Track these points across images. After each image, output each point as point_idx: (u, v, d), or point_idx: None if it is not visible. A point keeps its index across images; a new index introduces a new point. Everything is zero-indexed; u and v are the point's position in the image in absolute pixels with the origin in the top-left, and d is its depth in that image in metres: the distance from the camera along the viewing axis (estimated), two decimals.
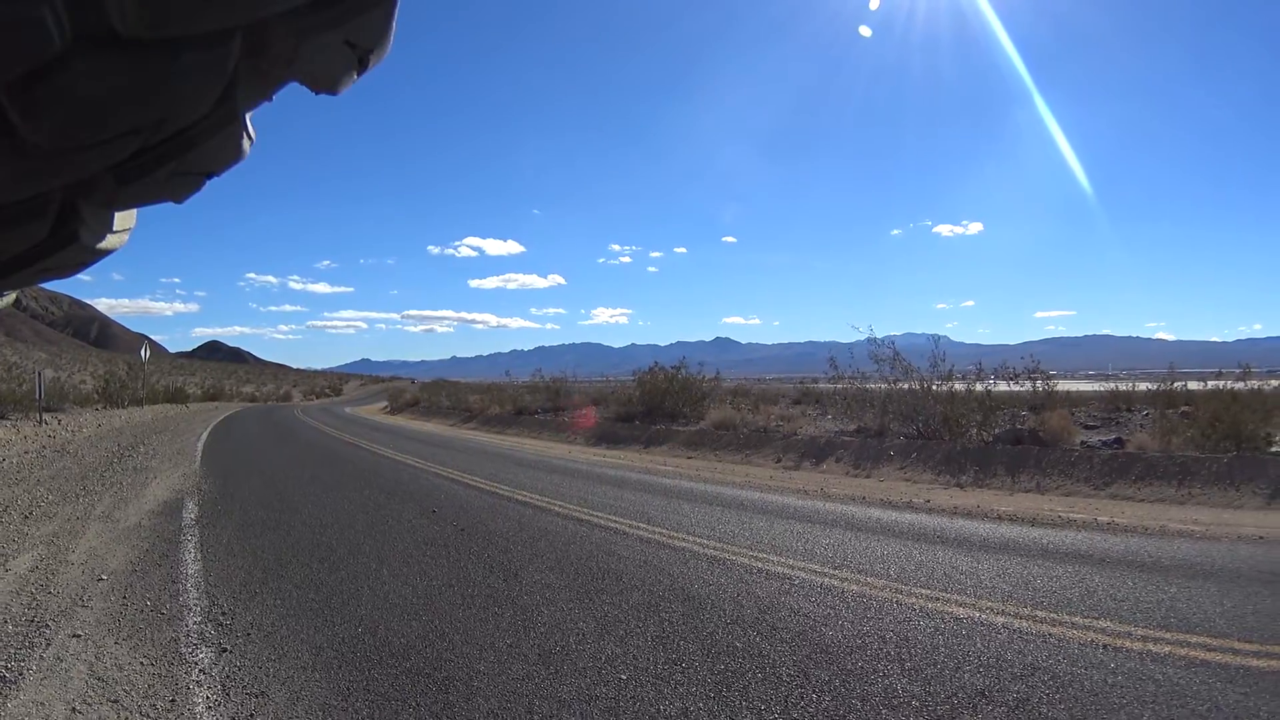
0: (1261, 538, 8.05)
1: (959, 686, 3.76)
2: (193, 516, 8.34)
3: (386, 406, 48.68)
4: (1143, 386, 24.54)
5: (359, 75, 1.47)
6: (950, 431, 16.24)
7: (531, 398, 32.99)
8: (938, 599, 5.29)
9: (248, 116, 1.54)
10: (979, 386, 17.65)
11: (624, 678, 3.91)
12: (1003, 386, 18.54)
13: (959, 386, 17.83)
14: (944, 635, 4.52)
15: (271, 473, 12.88)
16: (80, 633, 4.51)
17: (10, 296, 2.31)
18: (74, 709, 3.50)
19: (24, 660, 4.04)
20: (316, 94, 1.50)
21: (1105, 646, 4.34)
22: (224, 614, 4.98)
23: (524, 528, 7.92)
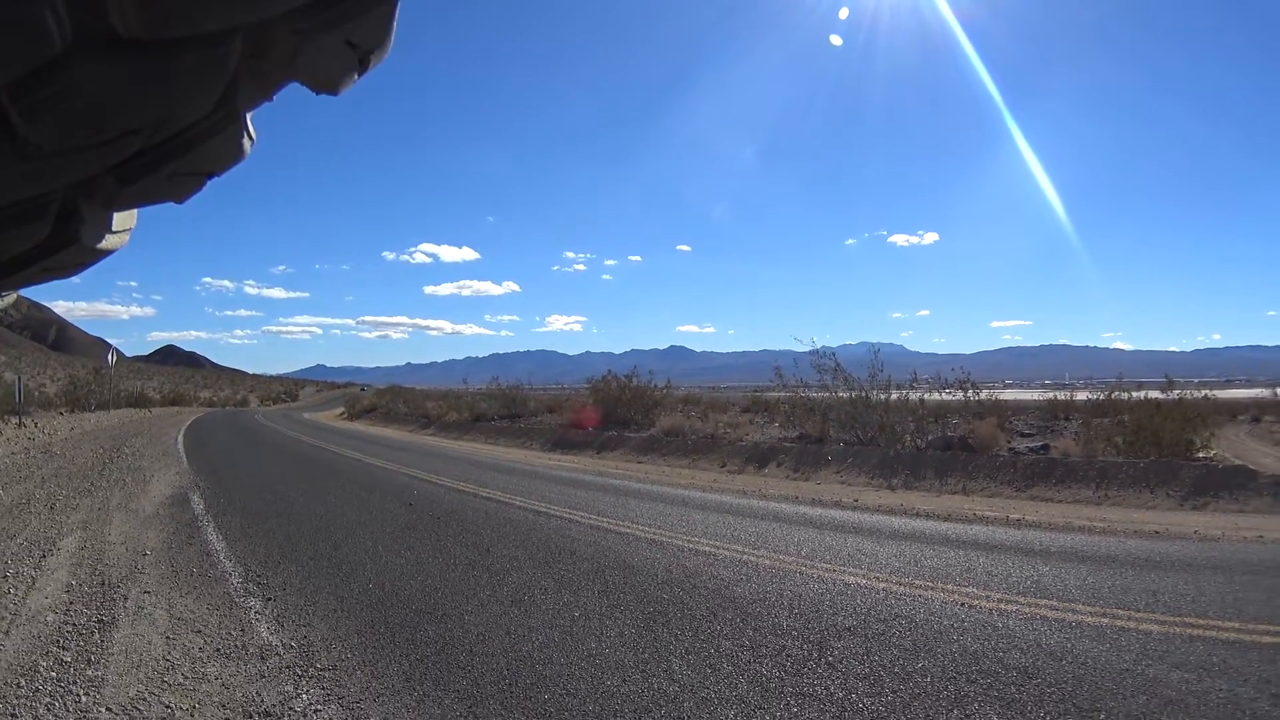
0: (1157, 533, 9.02)
1: (833, 625, 5.04)
2: (201, 508, 9.38)
3: (343, 412, 48.95)
4: (1081, 396, 25.16)
5: (359, 76, 1.51)
6: (886, 438, 17.12)
7: (488, 405, 33.72)
8: (835, 571, 6.55)
9: (248, 117, 1.59)
10: (913, 396, 18.66)
11: (576, 614, 5.19)
12: (940, 396, 19.63)
13: (895, 396, 18.61)
14: (832, 594, 5.80)
15: (256, 472, 13.83)
16: (149, 590, 5.65)
17: (11, 296, 2.52)
18: (167, 638, 4.66)
19: (113, 609, 5.17)
20: (317, 94, 1.53)
21: (963, 604, 5.52)
22: (258, 577, 6.15)
23: (490, 517, 9.15)
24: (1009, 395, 33.60)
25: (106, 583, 5.79)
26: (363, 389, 78.86)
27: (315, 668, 4.19)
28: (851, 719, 3.53)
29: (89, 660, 4.16)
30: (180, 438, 21.54)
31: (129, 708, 3.57)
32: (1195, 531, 9.10)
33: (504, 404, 32.97)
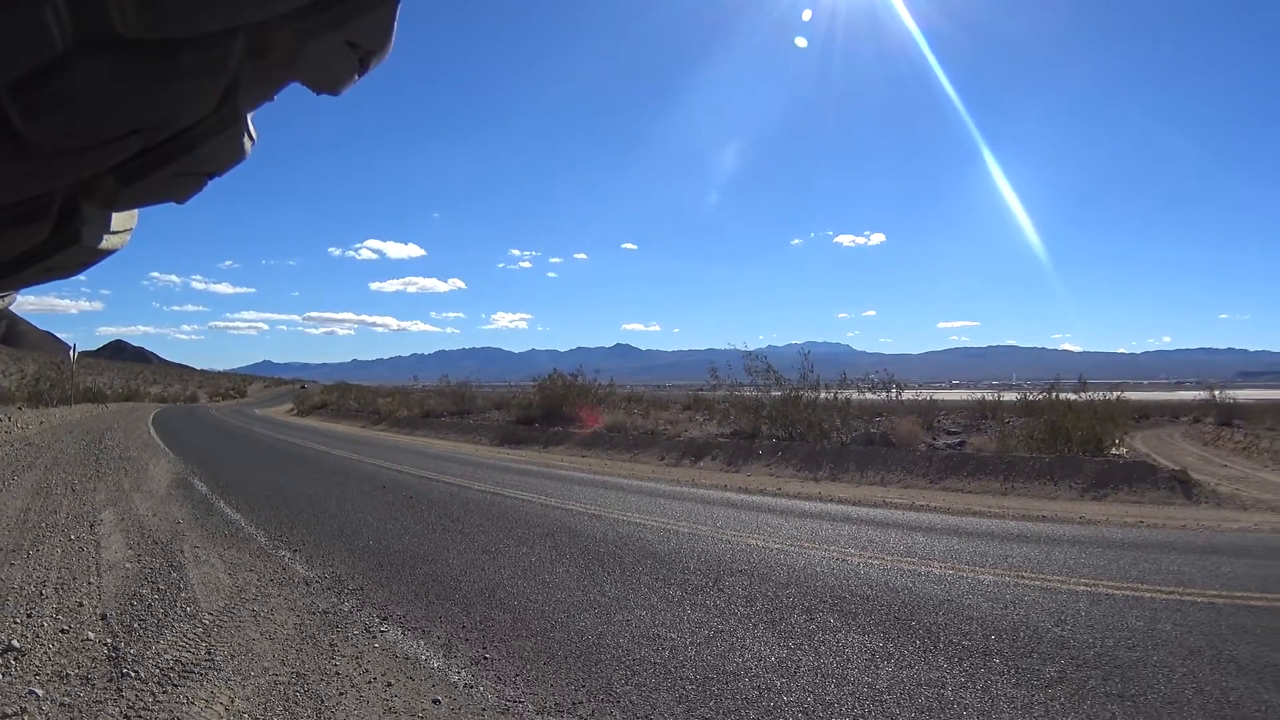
0: (1044, 517, 10.20)
1: (729, 568, 6.77)
2: (205, 490, 10.74)
3: (293, 409, 49.51)
4: (1008, 397, 26.13)
5: (360, 76, 1.53)
6: (814, 434, 18.46)
7: (438, 401, 34.97)
8: (741, 536, 8.24)
9: (249, 117, 1.62)
10: (844, 395, 19.99)
11: (533, 560, 6.89)
12: (866, 396, 20.94)
13: (825, 395, 19.98)
14: (734, 551, 7.51)
15: (238, 462, 15.10)
16: (197, 545, 7.13)
17: (11, 296, 2.56)
18: (229, 574, 6.16)
19: (177, 558, 6.64)
20: (318, 94, 1.55)
21: (838, 559, 7.13)
22: (278, 537, 7.67)
23: (455, 497, 10.74)
24: (945, 396, 34.27)
25: (158, 542, 7.23)
26: (302, 386, 78.31)
27: (347, 589, 5.80)
28: (728, 619, 5.27)
29: (178, 588, 5.66)
30: (153, 432, 22.47)
31: (223, 613, 5.11)
32: (1081, 517, 10.37)
33: (453, 401, 34.15)
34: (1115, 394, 18.94)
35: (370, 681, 4.02)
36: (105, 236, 1.83)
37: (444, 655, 4.46)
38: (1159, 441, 25.24)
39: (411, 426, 31.05)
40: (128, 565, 6.32)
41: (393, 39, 1.45)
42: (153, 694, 3.73)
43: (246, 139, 1.62)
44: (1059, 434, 15.93)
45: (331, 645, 4.53)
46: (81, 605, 5.13)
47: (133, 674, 3.96)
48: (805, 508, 10.76)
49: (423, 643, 4.67)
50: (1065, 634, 4.87)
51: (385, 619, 5.11)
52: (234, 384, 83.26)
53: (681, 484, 13.63)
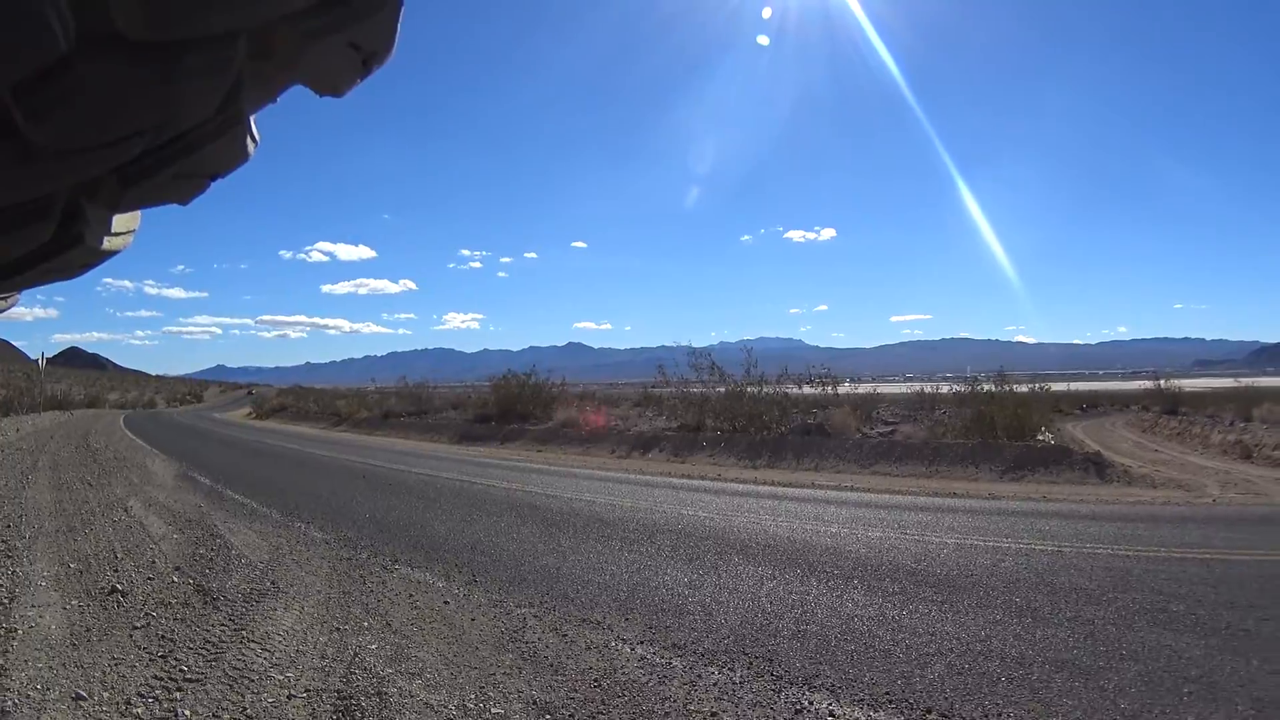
0: (954, 494, 11.62)
1: (661, 528, 8.41)
2: (208, 483, 11.98)
3: (251, 412, 49.50)
4: (945, 389, 26.70)
5: (362, 78, 1.52)
6: (755, 426, 19.66)
7: (396, 402, 35.83)
8: (676, 508, 9.92)
9: (252, 118, 1.61)
10: (780, 390, 21.23)
11: (502, 525, 8.48)
12: (803, 390, 21.90)
13: (768, 390, 21.27)
14: (668, 519, 9.15)
15: (225, 459, 16.25)
16: (225, 521, 8.49)
17: (12, 299, 2.66)
18: (262, 539, 7.57)
19: (213, 529, 8.00)
20: (320, 96, 1.55)
21: (753, 524, 8.74)
22: (289, 514, 9.08)
23: (428, 484, 12.23)
24: (893, 389, 34.61)
25: (190, 520, 8.58)
26: (250, 392, 77.42)
27: (359, 546, 7.31)
28: (656, 559, 6.92)
29: (226, 548, 7.08)
30: (132, 436, 23.23)
31: (270, 562, 6.55)
32: (990, 494, 11.72)
33: (412, 402, 35.10)
34: (1039, 385, 20.44)
35: (396, 595, 5.58)
36: (108, 238, 1.84)
37: (445, 581, 6.04)
38: (1100, 430, 26.33)
39: (372, 427, 31.87)
40: (175, 536, 7.70)
41: (396, 40, 1.46)
42: (241, 609, 5.22)
43: (249, 140, 1.64)
44: (984, 422, 17.05)
45: (361, 577, 6.07)
46: (154, 563, 6.54)
47: (220, 598, 5.44)
48: (738, 489, 12.31)
49: (428, 574, 6.25)
50: (919, 568, 6.60)
51: (395, 562, 6.65)
52: (190, 389, 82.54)
53: (630, 472, 15.04)
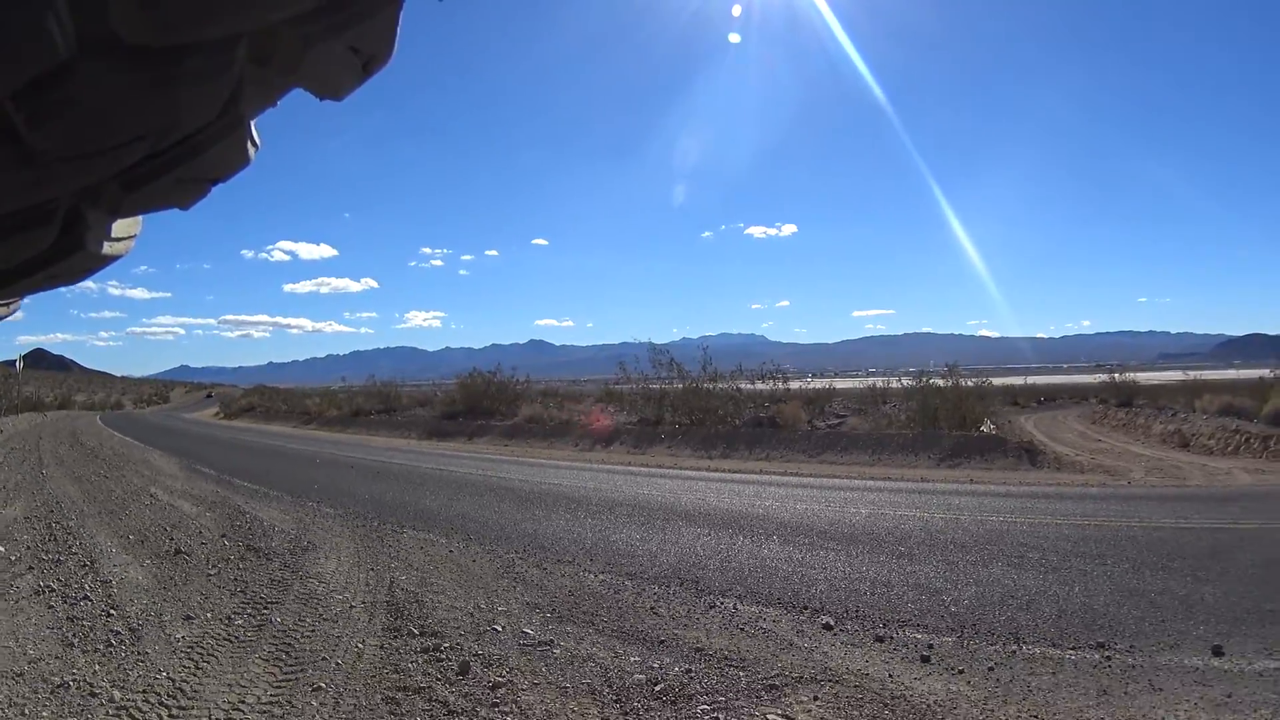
0: (889, 478, 12.80)
1: (618, 504, 9.94)
2: (214, 474, 13.15)
3: (218, 412, 49.78)
4: (896, 383, 26.63)
5: (362, 82, 1.53)
6: (710, 420, 20.63)
7: (365, 400, 36.49)
8: (633, 490, 11.44)
9: (252, 122, 1.62)
10: (735, 385, 22.26)
11: (483, 503, 9.94)
12: (757, 386, 22.59)
13: (724, 386, 22.20)
14: (624, 496, 10.70)
15: (219, 454, 17.30)
16: (246, 503, 9.75)
17: (15, 304, 2.77)
18: (283, 514, 8.87)
19: (238, 507, 9.26)
20: (321, 100, 1.55)
21: (698, 499, 10.41)
22: (297, 496, 10.37)
23: (411, 472, 13.59)
24: (850, 384, 35.17)
25: (214, 503, 9.82)
26: (208, 395, 76.59)
27: (368, 517, 8.68)
28: (614, 524, 8.44)
29: (258, 522, 8.36)
30: (118, 435, 24.01)
31: (300, 530, 7.87)
32: (922, 478, 12.80)
33: (380, 400, 35.68)
34: (983, 380, 21.20)
35: (409, 548, 7.01)
36: (109, 243, 1.81)
37: (445, 538, 7.50)
38: (1052, 422, 26.68)
39: (342, 425, 32.53)
40: (207, 514, 8.98)
41: (395, 43, 1.45)
42: (291, 560, 6.58)
43: (250, 144, 1.62)
44: (926, 414, 17.86)
45: (378, 537, 7.48)
46: (200, 532, 7.85)
47: (270, 554, 6.80)
48: (690, 475, 13.67)
49: (430, 535, 7.69)
50: (830, 529, 8.16)
51: (402, 527, 8.08)
52: (156, 390, 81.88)
53: (592, 463, 16.37)
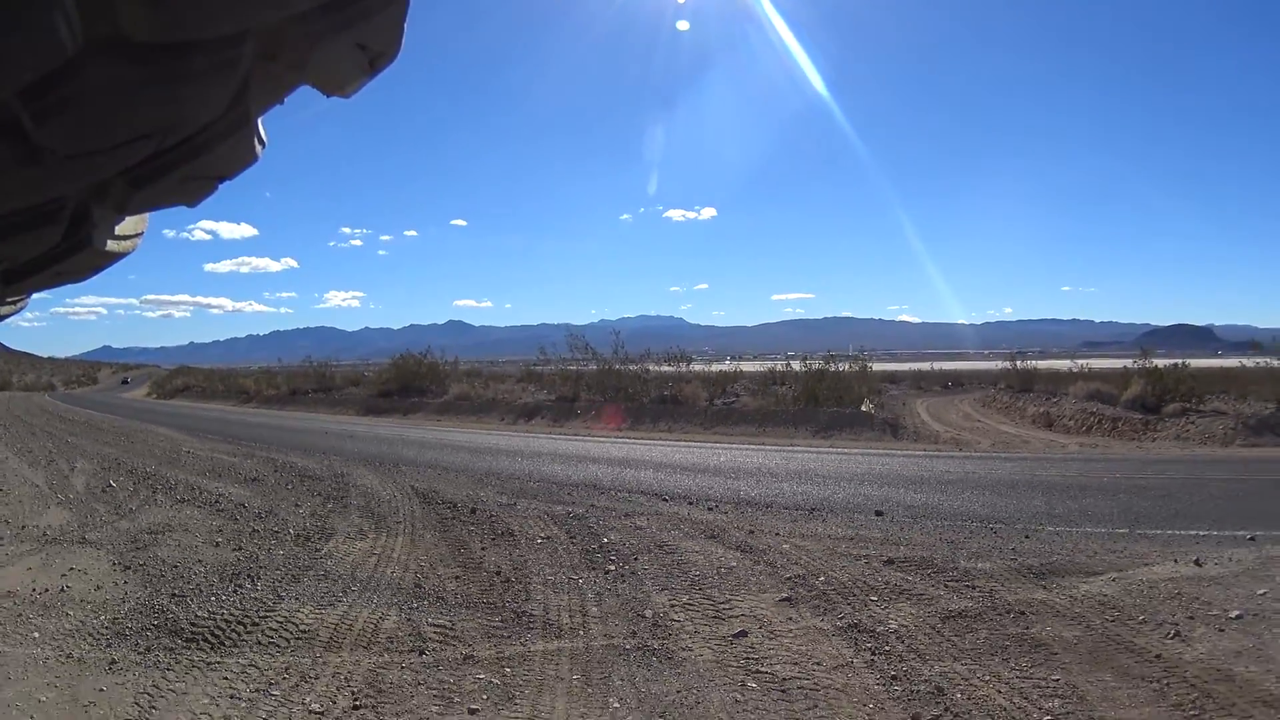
0: (763, 445, 15.22)
1: (540, 453, 13.73)
2: (219, 438, 16.14)
3: (150, 392, 49.93)
4: (785, 367, 27.20)
5: (369, 78, 1.53)
6: (621, 397, 22.77)
7: (302, 380, 37.97)
8: (552, 446, 15.26)
9: (259, 119, 1.63)
10: (644, 366, 24.74)
11: (445, 455, 13.62)
12: (663, 368, 24.88)
13: (632, 367, 24.67)
14: (544, 449, 14.48)
15: (209, 429, 19.68)
16: (277, 456, 13.04)
17: (24, 301, 2.76)
18: (313, 462, 12.20)
19: (272, 459, 12.59)
20: (328, 97, 1.55)
21: (604, 450, 14.32)
22: (309, 455, 13.63)
23: (378, 438, 16.92)
24: (752, 367, 35.27)
25: (245, 454, 12.96)
26: (125, 381, 74.10)
27: (364, 462, 12.13)
28: (539, 464, 12.26)
29: (292, 464, 11.68)
30: (94, 412, 25.83)
31: (326, 468, 11.27)
32: (791, 444, 15.42)
33: (315, 380, 37.43)
34: (866, 364, 23.12)
35: (410, 477, 10.55)
36: (116, 241, 1.82)
37: (431, 472, 11.14)
38: (946, 404, 27.68)
39: (282, 403, 34.17)
40: (248, 462, 12.12)
41: (402, 40, 1.44)
42: (336, 482, 9.99)
43: (257, 141, 1.62)
44: (809, 394, 19.70)
45: (386, 471, 11.01)
46: (257, 470, 11.12)
47: (319, 478, 10.23)
48: (601, 440, 17.03)
49: (418, 471, 11.28)
50: (693, 465, 12.20)
51: (398, 467, 11.63)
52: (85, 371, 79.94)
53: (519, 432, 19.56)
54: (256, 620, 4.65)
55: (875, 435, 16.79)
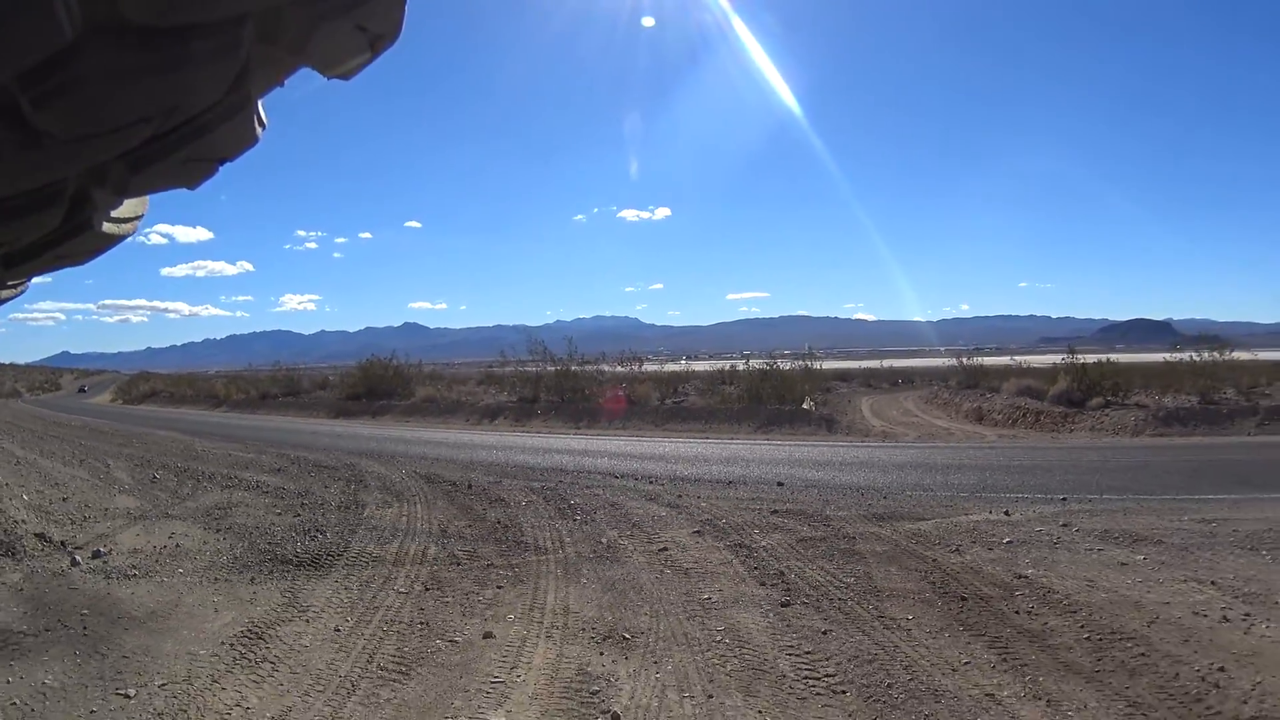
0: (706, 440, 16.82)
1: (510, 446, 16.02)
2: (222, 439, 18.04)
3: (115, 398, 50.10)
4: (730, 366, 28.42)
5: (370, 61, 1.53)
6: (578, 398, 24.19)
7: (270, 384, 39.21)
8: (519, 441, 17.56)
9: (260, 102, 1.63)
10: (599, 368, 26.43)
11: (428, 450, 15.81)
12: (617, 369, 27.07)
13: (589, 369, 26.15)
14: (513, 445, 16.78)
15: (214, 432, 21.05)
16: (283, 450, 15.10)
17: (24, 285, 2.76)
18: (329, 458, 14.33)
19: (288, 455, 14.66)
20: (329, 79, 1.55)
21: (563, 445, 16.69)
22: (309, 449, 15.66)
23: (363, 437, 18.94)
24: (703, 366, 37.41)
25: (259, 451, 14.93)
26: (82, 389, 72.24)
27: (364, 455, 14.21)
28: (512, 455, 14.55)
29: (304, 458, 13.76)
30: (89, 419, 26.75)
31: (336, 460, 13.44)
32: (732, 439, 17.09)
33: (283, 384, 38.65)
34: (810, 362, 24.32)
35: (409, 464, 12.71)
36: (116, 224, 1.83)
37: (423, 461, 13.33)
38: (890, 401, 27.95)
39: (253, 407, 34.95)
40: (263, 457, 14.08)
41: (403, 21, 1.42)
42: (350, 472, 12.06)
43: (257, 124, 1.63)
44: (753, 393, 20.94)
45: (387, 462, 13.10)
46: (276, 463, 13.21)
47: (335, 469, 12.34)
48: (563, 436, 19.31)
49: (410, 462, 13.45)
50: (641, 453, 14.61)
51: (394, 459, 13.74)
52: (47, 377, 78.90)
53: (485, 432, 21.59)
54: (339, 553, 6.88)
55: (812, 430, 18.11)
